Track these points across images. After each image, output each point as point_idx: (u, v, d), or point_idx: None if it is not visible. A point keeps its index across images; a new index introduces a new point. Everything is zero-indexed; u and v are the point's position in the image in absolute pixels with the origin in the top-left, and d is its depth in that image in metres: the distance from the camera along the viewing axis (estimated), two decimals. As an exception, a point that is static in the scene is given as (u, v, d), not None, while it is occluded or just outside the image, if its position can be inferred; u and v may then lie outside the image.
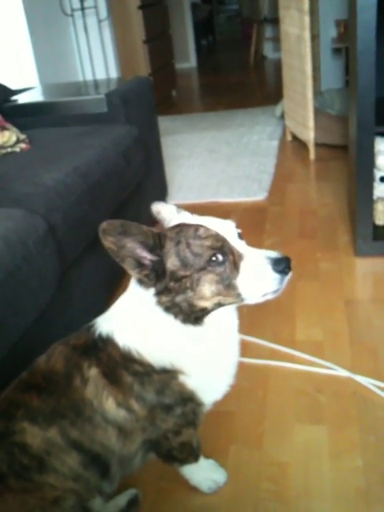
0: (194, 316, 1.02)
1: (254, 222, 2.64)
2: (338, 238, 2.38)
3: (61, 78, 4.18)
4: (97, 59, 4.68)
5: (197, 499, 1.29)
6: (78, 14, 4.43)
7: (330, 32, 4.52)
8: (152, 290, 1.00)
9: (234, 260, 0.98)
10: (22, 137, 2.08)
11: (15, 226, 1.37)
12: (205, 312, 1.01)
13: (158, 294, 1.00)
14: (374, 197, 2.14)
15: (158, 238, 0.98)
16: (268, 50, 7.56)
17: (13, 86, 2.70)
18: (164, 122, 4.26)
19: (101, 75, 4.70)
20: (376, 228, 2.21)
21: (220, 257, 0.96)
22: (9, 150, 2.04)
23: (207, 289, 0.97)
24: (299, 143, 3.66)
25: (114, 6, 4.70)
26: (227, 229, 1.01)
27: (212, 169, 3.46)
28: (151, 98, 2.66)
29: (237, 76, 6.77)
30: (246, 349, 1.75)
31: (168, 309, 1.01)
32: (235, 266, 0.98)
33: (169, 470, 1.35)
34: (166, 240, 0.98)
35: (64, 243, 1.56)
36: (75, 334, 1.12)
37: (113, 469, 1.12)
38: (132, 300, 1.05)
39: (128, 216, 2.21)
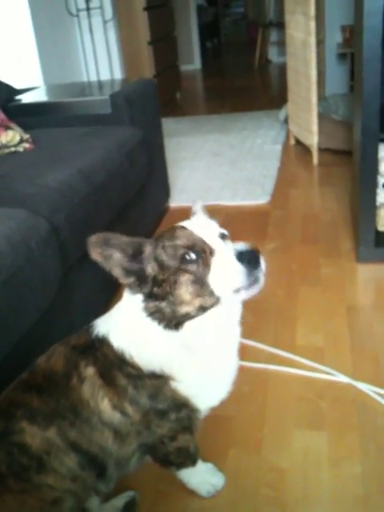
0: (175, 322, 1.01)
1: (257, 226, 2.64)
2: (341, 244, 2.38)
3: (65, 78, 4.17)
4: (101, 60, 4.67)
5: (195, 503, 1.28)
6: (83, 14, 4.43)
7: (335, 37, 4.52)
8: (140, 296, 1.02)
9: (206, 258, 0.97)
10: (26, 136, 2.08)
11: (18, 227, 1.37)
12: (187, 317, 1.00)
13: (146, 299, 1.02)
14: (377, 203, 2.14)
15: (138, 246, 1.00)
16: (273, 54, 7.57)
17: (17, 86, 2.70)
18: (168, 124, 4.25)
19: (105, 76, 4.70)
20: (378, 234, 2.20)
21: (192, 255, 0.96)
22: (12, 149, 2.04)
23: (184, 291, 0.97)
24: (303, 148, 3.66)
25: (120, 6, 4.70)
26: (208, 228, 1.01)
27: (215, 172, 3.45)
28: (156, 99, 2.66)
29: (241, 79, 6.77)
30: (246, 352, 1.75)
31: (152, 314, 1.02)
32: (207, 264, 0.97)
33: (167, 473, 1.35)
34: (145, 246, 1.01)
35: (66, 244, 1.56)
36: (75, 335, 1.13)
37: (109, 470, 1.12)
38: (126, 304, 1.07)
39: (131, 217, 2.21)
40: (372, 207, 2.11)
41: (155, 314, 1.02)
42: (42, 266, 1.38)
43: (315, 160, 3.41)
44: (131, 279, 1.00)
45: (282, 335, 1.83)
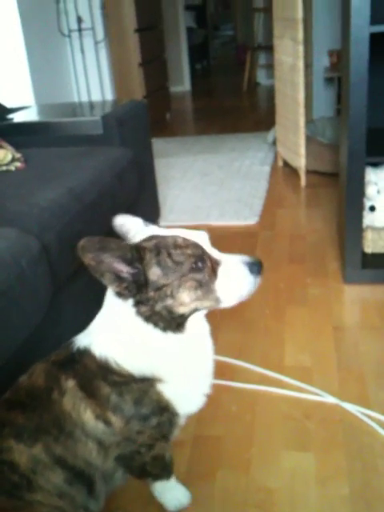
0: (174, 323, 1.05)
1: (245, 246, 2.66)
2: (327, 265, 2.41)
3: (56, 98, 4.21)
4: (92, 80, 4.73)
5: (183, 524, 1.28)
6: (75, 34, 4.49)
7: (322, 61, 4.61)
8: (130, 302, 1.03)
9: (212, 266, 1.03)
10: (18, 155, 2.10)
11: (8, 246, 1.38)
12: (183, 317, 1.05)
13: (137, 304, 1.03)
14: (363, 225, 2.18)
15: (135, 251, 1.00)
16: (261, 77, 7.68)
17: (8, 104, 2.72)
18: (157, 144, 4.29)
19: (96, 96, 4.75)
20: (365, 256, 2.24)
21: (200, 264, 1.01)
22: (4, 168, 2.05)
23: (187, 295, 1.01)
24: (290, 169, 3.71)
25: (111, 28, 4.77)
26: (202, 239, 1.06)
27: (204, 192, 3.49)
28: (146, 120, 2.70)
29: (230, 101, 6.85)
30: (234, 373, 1.76)
31: (148, 318, 1.03)
32: (213, 272, 1.03)
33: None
34: (145, 252, 1.01)
35: (57, 263, 1.57)
36: (56, 352, 1.14)
37: (97, 485, 1.12)
38: (109, 313, 1.08)
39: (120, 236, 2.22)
40: (358, 229, 2.15)
41: (151, 317, 1.03)
42: (32, 285, 1.38)
43: (303, 182, 3.46)
44: (124, 284, 1.00)
45: (270, 355, 1.84)
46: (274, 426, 1.54)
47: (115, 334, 1.07)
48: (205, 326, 1.17)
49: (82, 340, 1.11)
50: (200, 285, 1.02)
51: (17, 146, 2.16)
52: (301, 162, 3.41)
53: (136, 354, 1.07)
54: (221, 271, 1.04)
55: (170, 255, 1.00)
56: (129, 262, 0.99)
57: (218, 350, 1.83)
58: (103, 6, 4.58)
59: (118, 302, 1.04)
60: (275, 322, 2.02)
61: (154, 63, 5.38)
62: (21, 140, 2.35)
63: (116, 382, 1.06)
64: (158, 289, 1.01)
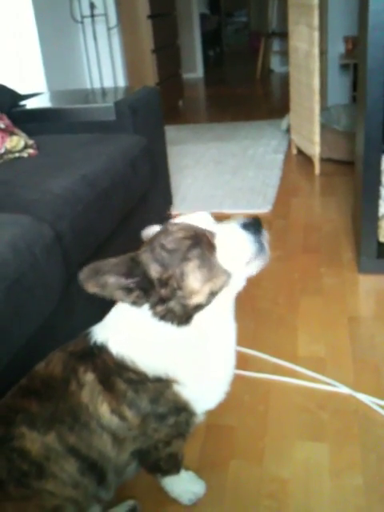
0: (186, 316, 1.02)
1: (258, 235, 2.64)
2: (342, 254, 2.38)
3: (68, 85, 4.19)
4: (105, 66, 4.69)
5: (195, 513, 1.28)
6: (87, 20, 4.45)
7: (337, 48, 4.55)
8: (146, 306, 1.01)
9: (208, 240, 0.99)
10: (30, 142, 2.09)
11: (22, 233, 1.37)
12: (199, 308, 1.01)
13: (152, 307, 1.01)
14: (379, 214, 2.14)
15: (131, 261, 1.00)
16: (275, 64, 7.60)
17: (21, 91, 2.71)
18: (170, 132, 4.26)
19: (108, 83, 4.72)
20: (380, 245, 2.21)
21: (195, 243, 0.97)
22: (17, 155, 2.04)
23: (192, 278, 0.97)
24: (304, 157, 3.67)
25: (124, 14, 4.72)
26: (201, 219, 1.03)
27: (217, 180, 3.46)
28: (159, 107, 2.67)
29: (243, 88, 6.79)
30: (247, 362, 1.75)
31: (163, 317, 1.01)
32: (211, 245, 0.98)
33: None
34: (139, 256, 1.00)
35: (70, 251, 1.56)
36: (73, 342, 1.13)
37: (109, 476, 1.12)
38: (125, 312, 1.06)
39: (133, 225, 2.20)
40: (374, 218, 2.12)
41: (167, 316, 1.01)
42: (45, 273, 1.38)
43: (317, 170, 3.42)
44: (135, 294, 0.99)
45: (284, 345, 1.83)
46: (287, 417, 1.53)
47: (131, 333, 1.06)
48: (230, 328, 1.11)
49: (99, 334, 1.09)
50: (202, 263, 0.97)
51: (29, 133, 2.15)
52: (315, 150, 3.37)
53: (150, 354, 1.06)
54: (218, 241, 0.99)
55: (163, 247, 0.98)
56: (129, 273, 0.99)
57: (232, 339, 1.84)
58: (116, -8, 4.54)
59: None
60: (289, 312, 2.00)
61: (167, 50, 5.34)
62: (33, 127, 2.34)
63: (132, 380, 1.06)
64: (165, 284, 0.99)
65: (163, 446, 1.14)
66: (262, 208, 2.95)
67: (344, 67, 4.59)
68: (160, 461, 1.18)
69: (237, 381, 1.65)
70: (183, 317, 1.02)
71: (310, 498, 1.28)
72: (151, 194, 2.43)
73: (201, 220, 1.02)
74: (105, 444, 1.07)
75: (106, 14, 4.48)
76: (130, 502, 1.27)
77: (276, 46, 7.43)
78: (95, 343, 1.08)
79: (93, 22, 4.45)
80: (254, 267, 1.01)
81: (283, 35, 6.19)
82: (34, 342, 1.38)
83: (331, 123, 3.62)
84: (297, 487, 1.31)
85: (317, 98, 3.23)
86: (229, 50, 10.68)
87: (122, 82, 4.81)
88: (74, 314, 1.67)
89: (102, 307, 1.75)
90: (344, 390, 1.59)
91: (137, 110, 2.38)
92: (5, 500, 1.00)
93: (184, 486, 1.30)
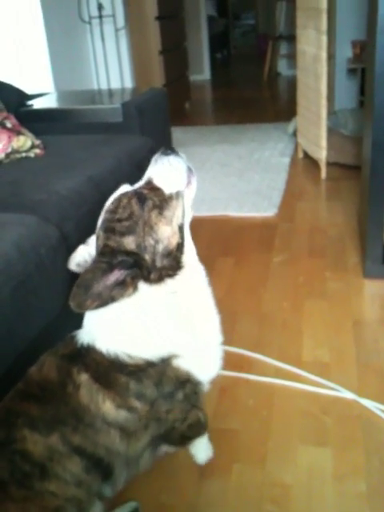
0: (177, 261, 1.06)
1: (264, 239, 2.64)
2: (348, 259, 2.38)
3: (76, 85, 4.20)
4: (112, 67, 4.70)
5: (197, 516, 1.28)
6: (95, 21, 4.46)
7: (345, 52, 4.54)
8: (141, 284, 1.03)
9: (148, 187, 1.05)
10: (37, 142, 2.09)
11: (28, 233, 1.37)
12: (181, 248, 1.06)
13: (146, 278, 1.03)
14: (386, 219, 2.14)
15: (102, 255, 1.01)
16: (282, 67, 7.59)
17: (28, 91, 2.71)
18: (176, 134, 4.26)
19: (115, 83, 4.72)
20: (386, 250, 2.20)
21: (141, 196, 1.03)
22: (23, 154, 2.05)
23: (162, 224, 1.02)
24: (311, 161, 3.66)
25: (132, 15, 4.73)
26: (124, 188, 1.08)
27: (223, 183, 3.46)
28: (166, 109, 2.68)
29: (250, 91, 6.79)
30: (251, 366, 1.74)
31: (161, 278, 1.04)
32: (152, 188, 1.05)
33: (169, 485, 1.35)
34: (107, 245, 1.02)
35: (75, 252, 1.56)
36: (61, 344, 1.14)
37: (116, 471, 1.12)
38: (111, 310, 1.05)
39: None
40: (380, 223, 2.11)
41: (163, 274, 1.04)
42: (50, 274, 1.38)
43: (323, 174, 3.41)
44: (129, 280, 1.00)
45: (288, 349, 1.82)
46: (290, 421, 1.52)
47: (121, 329, 1.07)
48: (202, 273, 1.17)
49: (85, 336, 1.10)
50: (159, 207, 1.03)
51: (36, 133, 2.15)
52: (322, 154, 3.37)
53: (144, 339, 1.07)
54: (156, 180, 1.06)
55: (119, 220, 1.02)
56: (110, 267, 0.99)
57: (236, 342, 1.84)
58: (124, -7, 4.55)
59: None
60: (293, 316, 2.00)
61: (175, 52, 5.34)
62: (40, 126, 2.35)
63: (132, 372, 1.06)
64: (144, 247, 1.01)
65: (180, 423, 1.17)
66: (268, 211, 2.95)
67: (351, 71, 4.58)
68: (184, 433, 1.22)
69: (241, 384, 1.67)
70: (175, 264, 1.05)
71: (313, 504, 1.28)
72: (157, 195, 2.43)
73: (124, 188, 1.08)
74: (112, 440, 1.08)
75: (113, 15, 4.49)
76: (132, 504, 1.27)
77: (283, 49, 7.43)
78: (82, 345, 1.09)
79: (101, 22, 4.46)
80: (192, 187, 1.10)
81: (291, 38, 6.20)
82: (39, 342, 1.38)
83: (338, 127, 3.61)
84: (299, 492, 1.30)
85: (324, 102, 3.22)
86: (236, 52, 10.68)
87: (129, 83, 4.81)
88: (79, 314, 1.67)
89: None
90: (348, 395, 1.59)
91: (144, 112, 2.39)
92: (7, 501, 1.00)
93: (204, 447, 1.39)
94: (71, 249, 1.52)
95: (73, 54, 4.31)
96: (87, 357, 1.07)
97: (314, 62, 3.27)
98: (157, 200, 1.03)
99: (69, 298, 0.97)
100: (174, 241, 1.04)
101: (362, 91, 4.28)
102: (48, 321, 1.40)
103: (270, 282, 2.24)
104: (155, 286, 1.04)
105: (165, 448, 1.23)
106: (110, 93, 3.13)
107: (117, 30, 4.57)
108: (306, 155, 3.77)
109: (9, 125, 2.07)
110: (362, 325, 1.92)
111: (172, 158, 1.08)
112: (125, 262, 1.00)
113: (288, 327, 1.94)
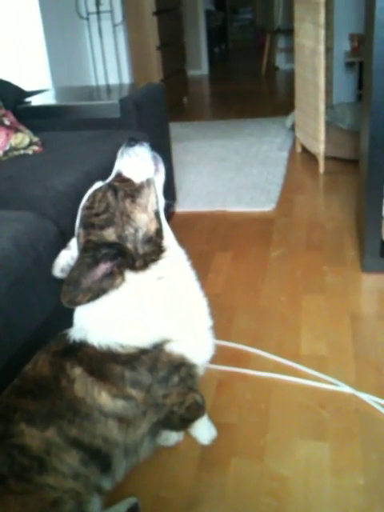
0: (159, 246, 1.09)
1: (262, 233, 2.64)
2: (345, 253, 2.38)
3: (73, 81, 4.19)
4: (110, 63, 4.70)
5: (196, 509, 1.28)
6: (93, 17, 4.45)
7: (343, 45, 4.53)
8: (128, 272, 1.05)
9: (118, 179, 1.10)
10: (35, 139, 2.09)
11: (26, 229, 1.38)
12: (160, 233, 1.09)
13: (132, 266, 1.06)
14: (383, 213, 2.14)
15: (85, 251, 1.04)
16: (280, 61, 7.57)
17: (26, 88, 2.71)
18: (174, 129, 4.26)
19: (113, 79, 4.72)
20: (384, 244, 2.21)
21: (113, 188, 1.07)
22: (22, 151, 2.05)
23: (138, 211, 1.06)
24: (309, 155, 3.66)
25: (130, 10, 4.72)
26: (96, 186, 1.12)
27: (221, 177, 3.46)
28: (164, 104, 2.67)
29: (248, 85, 6.78)
30: (249, 360, 1.75)
31: (146, 264, 1.07)
32: (123, 179, 1.09)
33: (168, 480, 1.35)
34: (88, 240, 1.05)
35: (73, 248, 1.56)
36: (53, 342, 1.16)
37: (115, 462, 1.14)
38: (98, 305, 1.07)
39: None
40: (378, 217, 2.12)
41: (147, 260, 1.07)
42: (48, 269, 1.38)
43: (321, 168, 3.41)
44: (116, 270, 1.03)
45: (286, 343, 1.83)
46: (288, 415, 1.53)
47: (111, 320, 1.08)
48: (183, 255, 1.18)
49: (76, 333, 1.12)
50: (131, 196, 1.06)
51: (34, 130, 2.15)
52: (320, 148, 3.37)
53: (139, 328, 1.09)
54: (125, 171, 1.10)
55: (97, 215, 1.05)
56: (96, 261, 1.02)
57: (233, 336, 1.85)
58: (122, -12, 4.54)
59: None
60: (291, 310, 2.00)
61: (172, 46, 5.32)
62: (38, 123, 2.35)
63: (126, 361, 1.08)
64: (126, 238, 1.04)
65: (178, 406, 1.19)
66: (266, 205, 2.95)
67: (349, 65, 4.57)
68: (183, 416, 1.24)
69: (238, 379, 1.67)
70: (157, 249, 1.08)
71: (311, 497, 1.28)
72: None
73: (98, 185, 1.11)
74: (110, 430, 1.09)
75: (111, 11, 4.48)
76: (132, 499, 1.28)
77: (281, 43, 7.41)
78: (74, 341, 1.11)
79: (98, 18, 4.45)
80: (160, 174, 1.14)
81: (289, 32, 6.18)
82: (37, 338, 1.39)
83: (336, 121, 3.61)
84: (297, 485, 1.31)
85: (322, 95, 3.22)
86: (234, 46, 10.64)
87: (126, 79, 4.81)
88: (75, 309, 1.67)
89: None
90: (345, 388, 1.60)
91: (141, 107, 2.38)
92: (6, 494, 1.01)
93: (206, 427, 1.42)
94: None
95: (70, 50, 4.30)
96: (80, 351, 1.09)
97: (312, 56, 3.27)
98: (128, 189, 1.07)
99: (60, 296, 0.99)
100: (153, 227, 1.08)
101: (360, 85, 4.28)
102: (46, 315, 1.40)
103: (267, 277, 2.24)
104: (141, 274, 1.07)
105: (174, 437, 1.30)
106: (108, 89, 3.12)
107: (114, 26, 4.56)
108: (304, 149, 3.77)
109: (7, 122, 2.07)
110: (359, 319, 1.93)
111: (137, 149, 1.12)
112: (109, 253, 1.03)
113: (286, 322, 1.94)
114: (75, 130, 2.37)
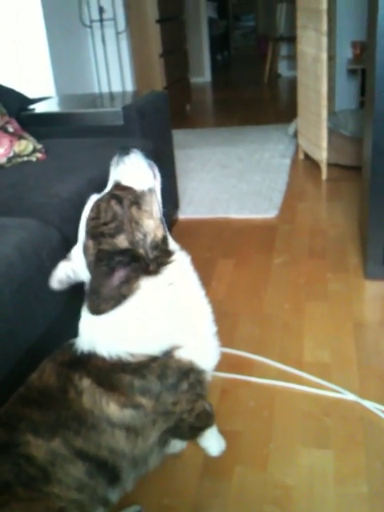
0: (166, 251, 1.09)
1: (264, 240, 2.64)
2: (348, 260, 2.38)
3: (77, 88, 4.20)
4: (113, 70, 4.71)
5: (199, 518, 1.28)
6: (96, 25, 4.47)
7: (345, 53, 4.54)
8: (142, 277, 1.05)
9: (119, 188, 1.08)
10: (39, 146, 2.10)
11: (29, 236, 1.38)
12: (166, 240, 1.10)
13: (146, 270, 1.06)
14: (386, 220, 2.14)
15: (103, 261, 1.03)
16: (282, 68, 7.59)
17: (29, 95, 2.72)
18: (177, 136, 4.26)
19: (116, 86, 4.73)
20: (387, 251, 2.20)
21: (117, 198, 1.06)
22: (25, 158, 2.05)
23: (145, 218, 1.06)
24: (311, 162, 3.67)
25: (133, 18, 4.74)
26: (93, 198, 1.11)
27: (223, 184, 3.46)
28: (167, 112, 2.68)
29: (250, 92, 6.79)
30: (252, 368, 1.75)
31: (158, 269, 1.07)
32: (124, 188, 1.08)
33: (172, 487, 1.35)
34: (100, 250, 1.04)
35: (76, 255, 1.56)
36: (59, 352, 1.15)
37: (123, 474, 1.13)
38: (107, 317, 1.07)
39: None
40: (381, 224, 2.11)
41: (159, 264, 1.07)
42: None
43: (324, 175, 3.42)
44: (132, 270, 1.03)
45: (289, 350, 1.82)
46: (292, 423, 1.53)
47: (120, 329, 1.08)
48: (186, 258, 1.17)
49: (84, 344, 1.11)
50: (136, 203, 1.06)
51: (37, 137, 2.16)
52: (322, 155, 3.37)
53: (149, 335, 1.09)
54: (124, 180, 1.09)
55: (105, 224, 1.04)
56: (112, 270, 1.01)
57: (237, 344, 1.84)
58: (125, -3, 4.56)
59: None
60: (294, 318, 2.00)
61: (175, 54, 5.35)
62: (42, 130, 2.36)
63: (135, 369, 1.08)
64: (137, 243, 1.04)
65: (188, 414, 1.19)
66: (268, 212, 2.95)
67: (352, 72, 4.58)
68: (193, 424, 1.24)
69: (242, 386, 1.67)
70: (165, 254, 1.09)
71: (314, 505, 1.28)
72: (158, 198, 2.43)
73: (95, 197, 1.11)
74: (117, 441, 1.09)
75: (114, 19, 4.50)
76: (135, 507, 1.28)
77: (284, 50, 7.43)
78: (82, 352, 1.10)
79: (102, 26, 4.47)
80: (158, 179, 1.13)
81: (291, 40, 6.20)
82: (40, 345, 1.39)
83: (338, 128, 3.62)
84: (301, 494, 1.31)
85: (324, 102, 3.23)
86: (236, 54, 10.68)
87: (129, 86, 4.82)
88: (79, 317, 1.67)
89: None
90: (349, 396, 1.59)
91: (144, 115, 2.39)
92: (14, 501, 1.01)
93: (215, 439, 1.42)
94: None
95: (74, 58, 4.32)
96: (88, 363, 1.08)
97: (315, 63, 3.28)
98: (131, 197, 1.06)
99: (86, 306, 1.02)
100: (159, 233, 1.08)
101: (363, 92, 4.29)
102: (49, 323, 1.40)
103: (270, 284, 2.24)
104: (153, 279, 1.07)
105: (178, 445, 1.29)
106: (111, 96, 3.14)
107: (118, 34, 4.58)
108: (307, 156, 3.77)
109: (10, 129, 2.08)
110: (363, 326, 1.93)
111: (132, 157, 1.11)
112: (123, 260, 1.03)
113: (289, 329, 1.94)
114: (78, 137, 2.38)
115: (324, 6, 3.03)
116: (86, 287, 1.06)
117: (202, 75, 7.92)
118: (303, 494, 1.31)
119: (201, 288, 1.19)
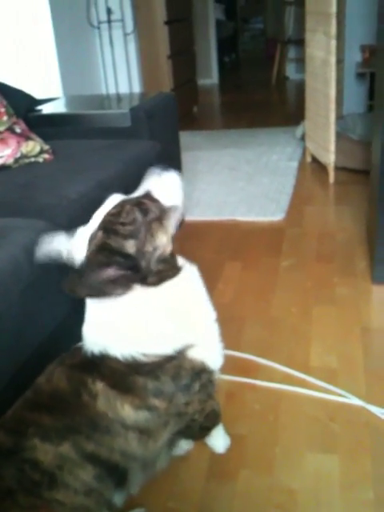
0: (173, 266, 1.10)
1: (271, 243, 2.64)
2: (356, 264, 2.37)
3: (84, 90, 4.21)
4: (121, 72, 4.72)
5: (204, 522, 1.27)
6: (104, 26, 4.48)
7: (354, 56, 4.53)
8: (137, 287, 1.05)
9: (147, 198, 1.09)
10: (46, 147, 2.10)
11: (37, 237, 1.37)
12: (174, 254, 1.11)
13: (143, 281, 1.05)
14: (395, 224, 2.13)
15: (103, 252, 1.03)
16: (290, 71, 7.58)
17: (37, 96, 2.73)
18: (184, 138, 4.26)
19: (124, 88, 4.74)
20: (395, 255, 2.19)
21: (144, 207, 1.06)
22: (32, 159, 2.05)
23: (161, 234, 1.06)
24: (319, 165, 3.66)
25: (141, 20, 4.75)
26: (116, 198, 1.11)
27: (231, 186, 3.46)
28: (175, 114, 2.68)
29: (258, 95, 6.79)
30: (258, 371, 1.74)
31: (160, 281, 1.07)
32: (152, 199, 1.09)
33: (176, 490, 1.34)
34: (106, 243, 1.04)
35: (84, 256, 1.56)
36: (67, 355, 1.14)
37: (131, 476, 1.13)
38: (116, 315, 1.08)
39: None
40: (389, 228, 2.10)
41: (161, 278, 1.08)
42: (59, 278, 1.38)
43: (331, 178, 3.41)
44: (125, 277, 1.03)
45: (296, 355, 1.82)
46: (298, 427, 1.52)
47: (131, 330, 1.08)
48: (194, 272, 1.19)
49: (94, 346, 1.10)
50: (160, 218, 1.07)
51: (45, 138, 2.16)
52: (330, 159, 3.36)
53: (161, 334, 1.09)
54: (155, 191, 1.11)
55: (123, 224, 1.04)
56: (107, 264, 1.01)
57: (243, 347, 1.84)
58: (133, -2, 4.57)
59: (119, 299, 1.05)
60: (302, 322, 2.00)
61: (183, 56, 5.35)
62: (49, 131, 2.36)
63: (150, 370, 1.08)
64: (143, 254, 1.04)
65: (199, 414, 1.20)
66: (276, 215, 2.95)
67: (360, 76, 4.57)
68: (203, 424, 1.25)
69: (247, 389, 1.67)
70: (171, 268, 1.09)
71: (320, 510, 1.27)
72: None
73: (117, 199, 1.11)
74: (130, 443, 1.08)
75: (122, 20, 4.51)
76: (140, 510, 1.27)
77: (292, 53, 7.42)
78: (93, 354, 1.09)
79: (109, 27, 4.48)
80: (181, 194, 1.14)
81: (299, 42, 6.19)
82: (48, 346, 1.39)
83: (347, 132, 3.61)
84: (306, 499, 1.30)
85: (333, 106, 3.22)
86: (244, 56, 10.67)
87: (137, 88, 4.83)
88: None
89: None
90: (356, 401, 1.58)
91: (152, 116, 2.39)
92: (14, 508, 1.00)
93: (221, 436, 1.43)
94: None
95: (82, 59, 4.33)
96: (102, 365, 1.08)
97: (323, 66, 3.27)
98: (157, 211, 1.07)
99: (62, 282, 1.01)
100: (168, 249, 1.09)
101: (371, 96, 4.27)
102: (56, 323, 1.41)
103: (278, 287, 2.23)
104: (155, 288, 1.07)
105: (185, 446, 1.31)
106: (119, 97, 3.14)
107: (125, 35, 4.59)
108: (315, 159, 3.76)
109: (18, 130, 2.08)
110: (370, 330, 1.92)
111: (172, 175, 1.14)
112: (121, 263, 1.02)
113: (296, 333, 1.93)
114: (86, 138, 2.38)
115: (333, 9, 3.03)
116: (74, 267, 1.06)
117: (210, 77, 7.92)
118: (309, 499, 1.30)
119: (207, 295, 1.20)
